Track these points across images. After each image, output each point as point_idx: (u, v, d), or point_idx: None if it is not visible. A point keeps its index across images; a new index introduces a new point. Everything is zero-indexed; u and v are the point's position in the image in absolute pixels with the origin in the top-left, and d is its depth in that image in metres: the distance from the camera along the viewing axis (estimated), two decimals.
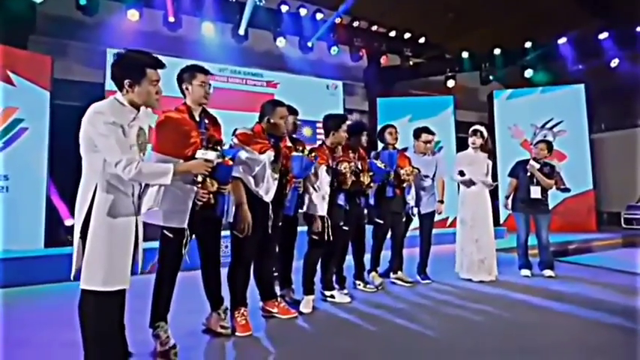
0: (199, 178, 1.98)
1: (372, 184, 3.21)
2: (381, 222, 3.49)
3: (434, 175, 3.70)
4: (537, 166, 3.91)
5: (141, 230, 1.83)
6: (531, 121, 7.69)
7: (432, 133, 3.72)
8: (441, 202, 3.67)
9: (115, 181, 1.67)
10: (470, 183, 3.75)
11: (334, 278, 3.26)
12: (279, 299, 2.79)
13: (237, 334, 2.39)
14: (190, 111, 2.25)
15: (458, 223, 3.89)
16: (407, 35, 8.01)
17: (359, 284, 3.43)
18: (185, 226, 2.11)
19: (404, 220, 3.60)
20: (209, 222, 2.29)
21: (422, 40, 8.17)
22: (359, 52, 7.53)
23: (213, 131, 2.30)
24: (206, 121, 2.30)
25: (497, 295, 3.27)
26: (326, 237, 2.86)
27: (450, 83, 8.20)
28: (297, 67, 7.16)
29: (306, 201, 2.80)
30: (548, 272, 3.87)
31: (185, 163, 1.97)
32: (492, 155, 3.92)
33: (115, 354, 1.78)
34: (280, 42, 6.69)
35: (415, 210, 3.64)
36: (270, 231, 2.56)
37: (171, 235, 2.13)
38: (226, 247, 3.17)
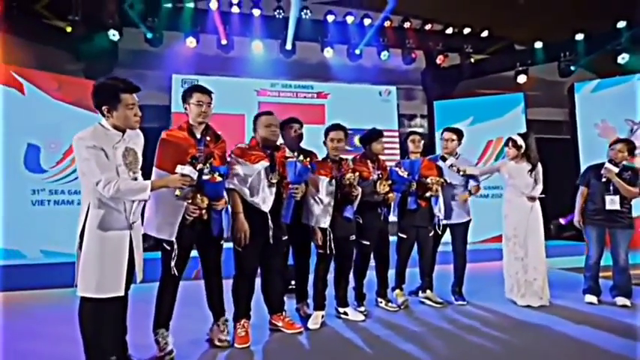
0: (177, 192, 2.07)
1: (391, 194, 3.02)
2: (404, 236, 3.24)
3: (466, 183, 3.32)
4: (615, 169, 3.23)
5: (138, 242, 2.00)
6: (626, 115, 6.45)
7: (457, 133, 3.37)
8: (477, 188, 3.33)
9: (106, 199, 1.85)
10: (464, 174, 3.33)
11: (353, 294, 3.13)
12: (284, 313, 2.76)
13: (235, 345, 2.43)
14: (190, 128, 2.38)
15: (503, 239, 3.42)
16: (466, 30, 7.40)
17: (381, 302, 3.23)
18: (173, 239, 2.22)
19: (431, 234, 3.28)
20: (208, 235, 2.37)
21: (485, 33, 7.46)
22: (411, 55, 7.17)
23: (214, 148, 2.40)
24: (208, 139, 2.40)
25: (538, 324, 2.78)
26: (327, 250, 2.75)
27: (521, 78, 7.31)
28: (346, 76, 7.09)
29: (308, 214, 2.74)
30: (621, 300, 3.18)
31: (161, 179, 2.09)
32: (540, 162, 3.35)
33: (109, 355, 1.94)
34: (328, 52, 6.71)
35: (443, 223, 3.29)
36: (272, 241, 2.55)
37: (168, 247, 2.27)
38: None
